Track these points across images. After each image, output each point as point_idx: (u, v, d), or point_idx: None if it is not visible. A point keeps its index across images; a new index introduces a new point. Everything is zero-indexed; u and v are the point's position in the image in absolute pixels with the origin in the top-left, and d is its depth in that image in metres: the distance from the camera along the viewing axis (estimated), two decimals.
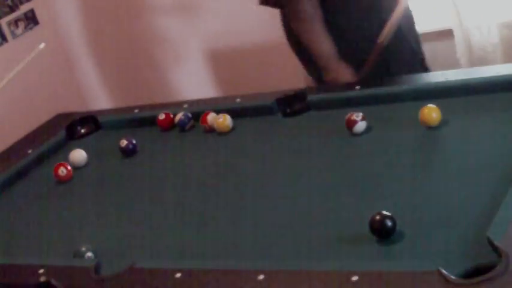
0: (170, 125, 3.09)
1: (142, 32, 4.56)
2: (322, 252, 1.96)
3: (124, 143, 2.97)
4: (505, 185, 1.94)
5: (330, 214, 2.13)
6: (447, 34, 3.86)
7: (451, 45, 3.83)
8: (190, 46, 4.47)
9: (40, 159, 3.16)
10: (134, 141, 2.97)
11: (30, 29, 4.44)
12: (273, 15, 4.14)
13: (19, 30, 4.37)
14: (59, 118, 3.56)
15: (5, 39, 4.29)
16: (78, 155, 3.03)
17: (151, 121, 3.14)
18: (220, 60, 4.45)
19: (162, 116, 3.10)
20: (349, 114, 2.55)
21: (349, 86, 2.90)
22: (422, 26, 3.89)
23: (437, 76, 2.78)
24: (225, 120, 2.89)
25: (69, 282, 2.12)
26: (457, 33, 3.75)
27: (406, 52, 3.10)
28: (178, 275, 1.98)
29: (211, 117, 2.94)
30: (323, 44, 3.03)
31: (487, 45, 3.57)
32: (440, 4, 3.83)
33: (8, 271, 2.30)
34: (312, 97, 2.87)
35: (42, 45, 3.07)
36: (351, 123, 2.54)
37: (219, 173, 2.63)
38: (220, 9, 4.29)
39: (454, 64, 3.78)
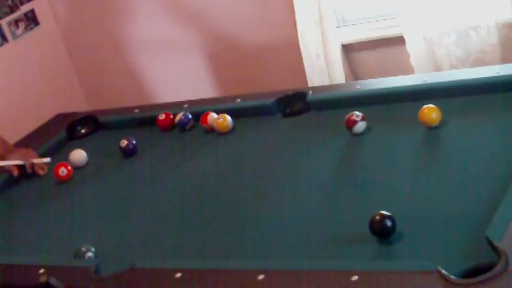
0: (170, 125, 3.09)
1: (143, 32, 4.56)
2: (322, 252, 1.96)
3: (124, 143, 2.97)
4: (505, 185, 1.94)
5: (330, 214, 2.13)
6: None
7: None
8: (190, 46, 4.47)
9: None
10: (134, 141, 2.97)
11: (31, 29, 4.44)
12: (273, 15, 4.15)
13: (19, 31, 4.37)
14: (59, 118, 3.57)
15: (5, 39, 4.29)
16: (78, 155, 3.04)
17: (151, 121, 3.14)
18: (220, 60, 4.45)
19: (162, 116, 3.10)
20: (349, 114, 2.55)
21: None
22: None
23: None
24: (225, 121, 2.89)
25: (69, 282, 2.12)
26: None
27: None
28: (178, 275, 1.98)
29: (211, 117, 2.95)
30: None
31: (486, 46, 3.55)
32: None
33: (8, 271, 2.30)
34: (312, 97, 2.87)
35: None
36: (351, 123, 2.54)
37: (219, 173, 2.63)
38: (220, 9, 4.29)
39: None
